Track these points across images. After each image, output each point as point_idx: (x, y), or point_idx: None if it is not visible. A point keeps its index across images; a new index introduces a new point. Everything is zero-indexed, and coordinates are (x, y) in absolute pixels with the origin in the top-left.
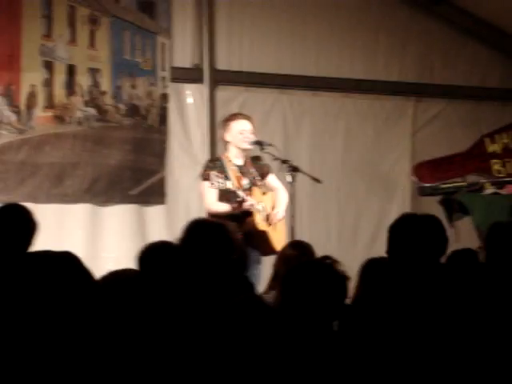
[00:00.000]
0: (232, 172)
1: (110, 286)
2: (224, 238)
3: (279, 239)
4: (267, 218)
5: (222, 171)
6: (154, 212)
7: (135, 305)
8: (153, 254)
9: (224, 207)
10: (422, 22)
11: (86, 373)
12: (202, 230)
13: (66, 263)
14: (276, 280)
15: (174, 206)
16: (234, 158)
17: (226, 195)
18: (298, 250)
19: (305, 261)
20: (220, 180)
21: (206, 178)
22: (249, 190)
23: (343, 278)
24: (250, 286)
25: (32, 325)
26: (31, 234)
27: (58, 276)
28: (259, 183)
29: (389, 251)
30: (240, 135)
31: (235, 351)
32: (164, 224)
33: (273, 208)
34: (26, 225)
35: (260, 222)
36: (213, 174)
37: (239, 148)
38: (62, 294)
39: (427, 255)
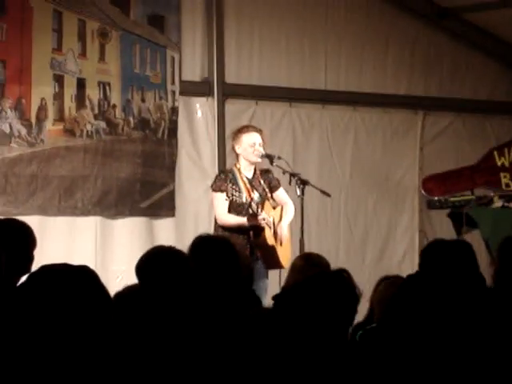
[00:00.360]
0: (243, 184)
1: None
2: (230, 256)
3: (285, 253)
4: (275, 234)
5: (234, 183)
6: (164, 225)
7: (144, 319)
8: (153, 262)
9: (236, 219)
10: (430, 36)
11: None
12: (208, 247)
13: (84, 278)
14: None
15: (184, 218)
16: (244, 170)
17: (236, 208)
18: (310, 261)
19: (320, 271)
20: (235, 194)
21: (217, 189)
22: (261, 204)
23: (356, 294)
24: (257, 300)
25: (47, 339)
26: (31, 249)
27: (76, 290)
28: (269, 196)
29: (420, 275)
30: (250, 148)
31: (246, 365)
32: (173, 237)
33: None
34: (26, 239)
35: (269, 237)
36: (229, 186)
37: (249, 161)
38: (79, 309)
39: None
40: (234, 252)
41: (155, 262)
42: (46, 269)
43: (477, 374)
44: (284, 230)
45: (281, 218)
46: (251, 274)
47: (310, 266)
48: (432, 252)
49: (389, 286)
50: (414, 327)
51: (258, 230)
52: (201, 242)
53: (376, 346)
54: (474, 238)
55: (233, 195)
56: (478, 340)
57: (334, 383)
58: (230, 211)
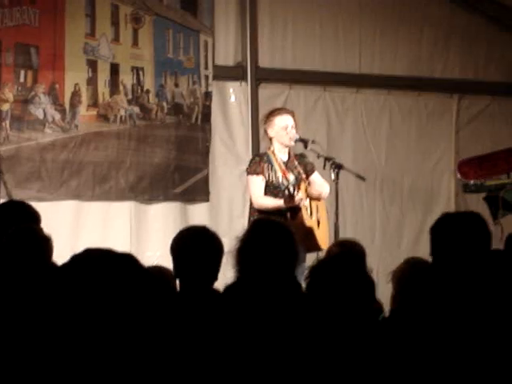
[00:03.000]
0: (278, 166)
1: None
2: (289, 240)
3: (323, 236)
4: (315, 215)
5: (270, 166)
6: (198, 210)
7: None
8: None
9: (273, 202)
10: (466, 19)
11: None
12: (268, 230)
13: (129, 264)
14: None
15: (218, 203)
16: (279, 152)
17: (272, 190)
18: (345, 248)
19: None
20: (273, 175)
21: (252, 172)
22: (297, 185)
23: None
24: (298, 286)
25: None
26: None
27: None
28: (304, 177)
29: (432, 253)
30: (283, 131)
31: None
32: (207, 222)
33: (316, 206)
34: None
35: (307, 218)
36: (265, 166)
37: (282, 143)
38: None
39: (472, 254)
40: (291, 236)
41: (188, 240)
42: (90, 252)
43: (497, 360)
44: (324, 194)
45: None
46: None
47: (345, 252)
48: (442, 227)
49: (409, 266)
50: (432, 311)
51: (295, 211)
52: (258, 225)
53: (395, 330)
54: (511, 222)
55: (270, 177)
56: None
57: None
58: (266, 194)
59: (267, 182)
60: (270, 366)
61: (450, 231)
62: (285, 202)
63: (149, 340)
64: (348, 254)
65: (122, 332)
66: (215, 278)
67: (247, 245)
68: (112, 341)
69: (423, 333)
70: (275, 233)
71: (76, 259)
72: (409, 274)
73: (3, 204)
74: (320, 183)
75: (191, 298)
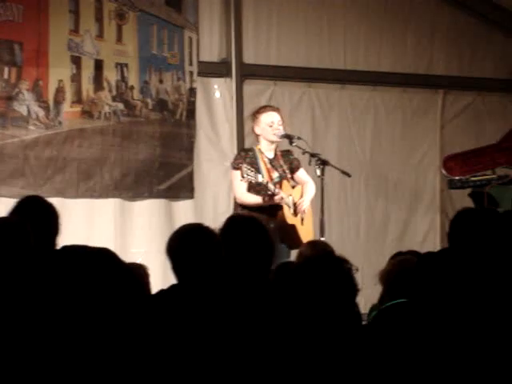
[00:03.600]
0: (263, 164)
1: None
2: (263, 235)
3: (307, 233)
4: (295, 209)
5: (254, 163)
6: (183, 206)
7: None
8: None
9: (254, 199)
10: (451, 15)
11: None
12: (241, 226)
13: (105, 259)
14: None
15: (203, 200)
16: (265, 150)
17: (255, 187)
18: (316, 249)
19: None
20: (251, 173)
21: (237, 167)
22: (279, 184)
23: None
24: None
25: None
26: (56, 226)
27: (97, 270)
28: (289, 177)
29: (450, 246)
30: (269, 128)
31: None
32: (192, 218)
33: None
34: (49, 216)
35: (289, 216)
36: (244, 166)
37: (268, 140)
38: (99, 289)
39: (489, 249)
40: (266, 231)
41: (186, 239)
42: (67, 249)
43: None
44: (305, 204)
45: (301, 196)
46: (273, 253)
47: (316, 253)
48: (462, 222)
49: (398, 262)
50: (436, 305)
51: (277, 209)
52: (233, 221)
53: (391, 326)
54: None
55: (247, 175)
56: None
57: (347, 366)
58: (249, 190)
59: (243, 177)
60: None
61: (469, 226)
62: (263, 200)
63: (126, 336)
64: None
65: (98, 327)
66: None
67: (222, 240)
68: (85, 336)
69: (414, 334)
70: (249, 228)
71: (54, 256)
72: (396, 274)
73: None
74: (305, 180)
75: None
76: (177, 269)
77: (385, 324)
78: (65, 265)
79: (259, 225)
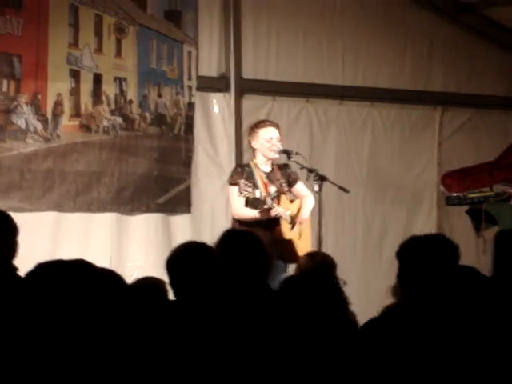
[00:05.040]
0: (260, 178)
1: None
2: (259, 250)
3: (304, 248)
4: (293, 221)
5: (250, 177)
6: (180, 221)
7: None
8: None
9: (251, 213)
10: (448, 32)
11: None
12: (237, 241)
13: (81, 271)
14: None
15: (200, 215)
16: (261, 164)
17: (252, 202)
18: (315, 260)
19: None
20: (248, 189)
21: (233, 183)
22: (276, 198)
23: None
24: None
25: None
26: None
27: (73, 284)
28: (286, 190)
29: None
30: (267, 143)
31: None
32: (189, 233)
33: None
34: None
35: (286, 231)
36: (242, 182)
37: (266, 156)
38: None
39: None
40: (261, 246)
41: (187, 256)
42: (42, 266)
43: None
44: (303, 217)
45: (299, 211)
46: (270, 268)
47: (315, 264)
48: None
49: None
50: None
51: (274, 223)
52: (229, 235)
53: (380, 335)
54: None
55: (245, 190)
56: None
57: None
58: (246, 205)
59: (241, 193)
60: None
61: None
62: (260, 214)
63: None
64: (319, 268)
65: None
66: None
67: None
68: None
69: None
70: (245, 242)
71: (29, 275)
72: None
73: None
74: (304, 193)
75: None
76: (175, 285)
77: (379, 330)
78: (39, 281)
79: (255, 239)
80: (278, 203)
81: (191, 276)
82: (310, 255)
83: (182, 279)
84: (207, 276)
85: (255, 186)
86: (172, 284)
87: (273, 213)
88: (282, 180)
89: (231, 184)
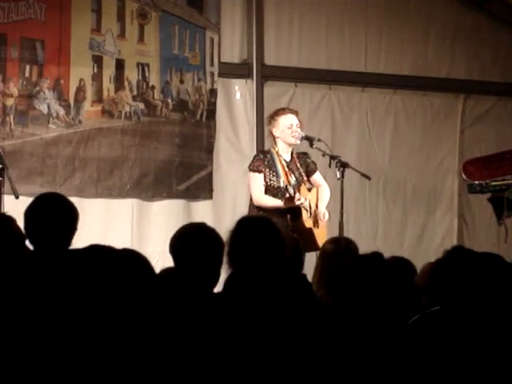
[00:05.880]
0: (281, 167)
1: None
2: (273, 235)
3: (321, 236)
4: (314, 217)
5: (272, 165)
6: (201, 207)
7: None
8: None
9: (272, 201)
10: (472, 19)
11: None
12: (251, 227)
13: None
14: (317, 276)
15: (221, 201)
16: (282, 152)
17: (272, 190)
18: (339, 245)
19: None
20: (273, 178)
21: (255, 169)
22: (297, 187)
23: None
24: (308, 286)
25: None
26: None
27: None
28: (305, 179)
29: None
30: (288, 130)
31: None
32: (211, 219)
33: (316, 204)
34: (68, 213)
35: (307, 220)
36: (267, 171)
37: (287, 143)
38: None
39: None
40: (276, 230)
41: (187, 238)
42: (95, 248)
43: None
44: (322, 214)
45: (317, 200)
46: (299, 257)
47: (339, 250)
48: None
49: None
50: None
51: (296, 213)
52: (244, 222)
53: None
54: None
55: (270, 180)
56: None
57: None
58: (266, 193)
59: (267, 183)
60: (271, 365)
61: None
62: (284, 202)
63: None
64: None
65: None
66: (217, 276)
67: (233, 243)
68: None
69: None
70: (260, 229)
71: (82, 254)
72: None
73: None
74: (321, 184)
75: (191, 299)
76: (179, 267)
77: (425, 329)
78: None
79: (271, 225)
80: (299, 192)
81: (192, 257)
82: (333, 241)
83: (185, 260)
84: (209, 256)
85: (276, 174)
86: (176, 265)
87: (297, 202)
88: (301, 169)
89: (252, 171)
